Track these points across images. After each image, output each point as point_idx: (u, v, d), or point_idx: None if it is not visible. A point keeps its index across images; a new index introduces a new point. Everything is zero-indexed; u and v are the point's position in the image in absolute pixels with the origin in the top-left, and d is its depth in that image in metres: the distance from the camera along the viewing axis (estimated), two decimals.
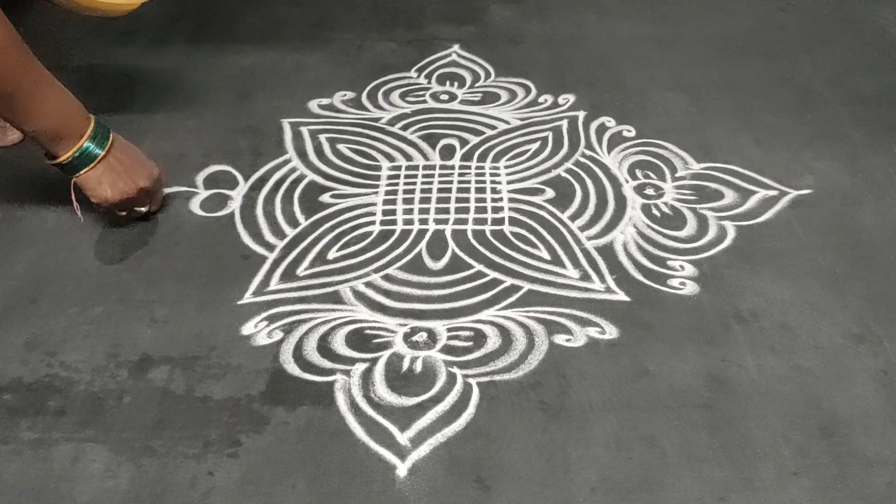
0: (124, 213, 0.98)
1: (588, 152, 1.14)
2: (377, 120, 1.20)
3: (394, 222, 1.01)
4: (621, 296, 0.91)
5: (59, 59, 1.31)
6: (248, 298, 0.90)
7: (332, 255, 0.96)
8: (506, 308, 0.89)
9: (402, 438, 0.76)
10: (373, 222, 1.01)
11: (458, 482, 0.72)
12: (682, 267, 0.95)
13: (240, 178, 1.08)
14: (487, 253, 0.96)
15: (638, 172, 1.10)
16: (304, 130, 1.18)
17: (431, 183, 1.07)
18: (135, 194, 0.96)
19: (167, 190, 1.04)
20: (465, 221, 1.01)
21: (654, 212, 1.03)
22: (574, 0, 1.54)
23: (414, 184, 1.07)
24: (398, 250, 0.97)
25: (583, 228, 1.00)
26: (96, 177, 0.94)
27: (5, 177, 1.08)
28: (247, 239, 0.98)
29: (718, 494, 0.71)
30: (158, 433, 0.76)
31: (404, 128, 1.18)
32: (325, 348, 0.84)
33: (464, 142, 1.15)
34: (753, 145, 1.15)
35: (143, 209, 0.99)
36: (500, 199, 1.05)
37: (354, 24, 1.46)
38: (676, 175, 1.09)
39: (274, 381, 0.81)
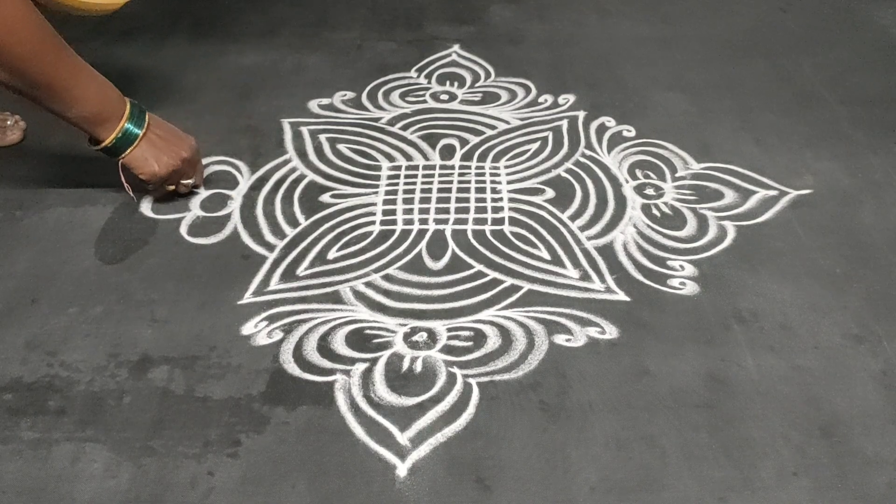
0: (173, 187, 1.02)
1: (588, 152, 1.14)
2: (377, 120, 1.20)
3: (394, 222, 1.01)
4: (621, 296, 0.91)
5: None
6: (248, 298, 0.90)
7: (332, 255, 0.96)
8: (506, 308, 0.89)
9: (402, 438, 0.76)
10: (373, 222, 1.01)
11: (458, 482, 0.72)
12: (682, 267, 0.95)
13: (240, 178, 1.09)
14: (487, 253, 0.96)
15: (638, 172, 1.10)
16: (304, 130, 1.18)
17: (431, 183, 1.07)
18: (180, 165, 0.99)
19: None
20: (465, 221, 1.01)
21: (654, 212, 1.03)
22: (574, 0, 1.54)
23: (414, 184, 1.07)
24: (398, 250, 0.97)
25: (583, 228, 1.00)
26: (141, 154, 0.97)
27: (5, 177, 1.08)
28: (247, 239, 0.98)
29: (718, 494, 0.71)
30: (158, 433, 0.76)
31: (404, 128, 1.19)
32: (325, 348, 0.84)
33: (464, 142, 1.15)
34: (753, 145, 1.15)
35: (189, 181, 1.02)
36: (500, 199, 1.05)
37: (354, 24, 1.46)
38: (676, 175, 1.09)
39: (274, 381, 0.81)
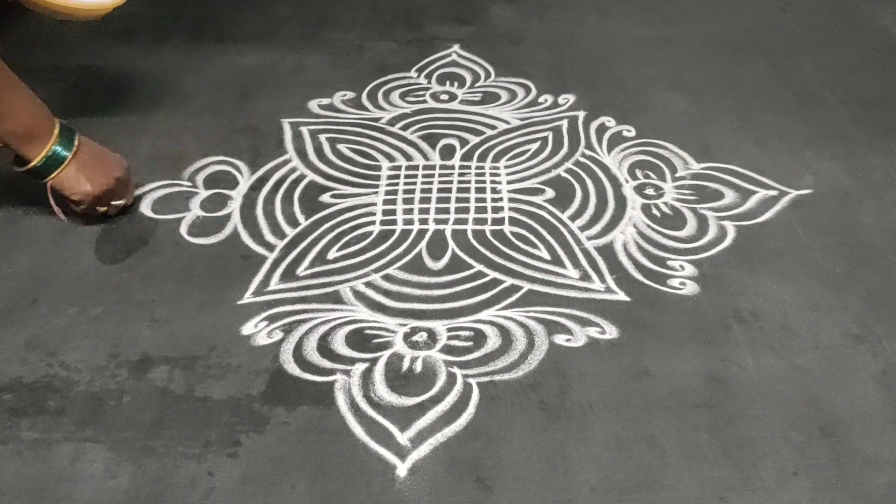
0: (104, 209, 0.99)
1: (588, 152, 1.14)
2: (377, 120, 1.20)
3: (394, 222, 1.01)
4: (621, 296, 0.91)
5: (58, 59, 1.32)
6: (248, 298, 0.90)
7: (332, 255, 0.96)
8: (506, 308, 0.89)
9: (402, 438, 0.76)
10: (373, 222, 1.01)
11: (458, 482, 0.72)
12: (682, 267, 0.95)
13: (240, 178, 1.09)
14: (487, 253, 0.96)
15: (638, 172, 1.10)
16: (304, 130, 1.18)
17: (431, 183, 1.07)
18: (114, 184, 0.97)
19: (151, 187, 1.04)
20: (465, 221, 1.01)
21: (654, 212, 1.03)
22: (574, 0, 1.54)
23: (414, 184, 1.07)
24: (398, 250, 0.97)
25: (583, 228, 1.00)
26: (73, 174, 0.94)
27: (5, 177, 1.08)
28: (247, 239, 0.98)
29: (718, 494, 0.71)
30: (158, 433, 0.76)
31: (404, 128, 1.18)
32: (325, 348, 0.84)
33: (464, 142, 1.15)
34: (753, 145, 1.15)
35: (121, 202, 1.00)
36: (500, 199, 1.05)
37: (354, 24, 1.46)
38: (676, 175, 1.09)
39: (274, 381, 0.81)
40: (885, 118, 1.21)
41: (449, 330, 0.86)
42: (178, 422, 0.77)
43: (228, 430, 0.76)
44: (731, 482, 0.72)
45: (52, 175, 0.93)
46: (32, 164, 0.92)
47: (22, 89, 0.91)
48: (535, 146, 1.15)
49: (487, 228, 1.00)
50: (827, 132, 1.18)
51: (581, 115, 1.21)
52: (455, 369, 0.82)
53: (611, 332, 0.87)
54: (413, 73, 1.32)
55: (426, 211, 1.03)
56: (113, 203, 0.99)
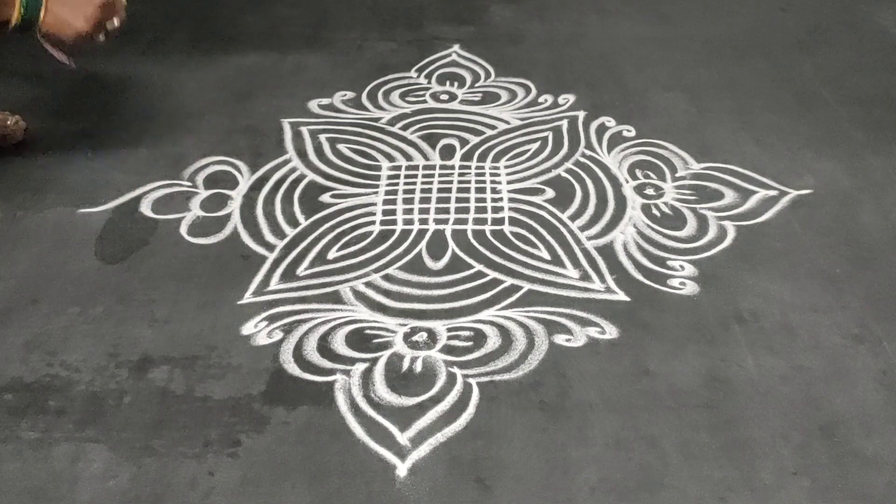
0: (102, 37, 0.97)
1: (588, 152, 1.14)
2: (377, 120, 1.20)
3: (394, 222, 1.01)
4: (621, 296, 0.91)
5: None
6: (248, 298, 0.90)
7: (332, 255, 0.96)
8: (506, 308, 0.89)
9: (402, 438, 0.75)
10: (373, 222, 1.01)
11: (458, 482, 0.72)
12: (682, 267, 0.95)
13: (240, 178, 1.08)
14: (487, 253, 0.96)
15: (638, 172, 1.10)
16: (304, 130, 1.18)
17: (431, 183, 1.07)
18: (100, 13, 0.94)
19: (151, 187, 1.04)
20: (465, 221, 1.01)
21: (654, 212, 1.03)
22: (574, 0, 1.54)
23: (414, 184, 1.07)
24: (398, 250, 0.97)
25: (583, 228, 1.00)
26: (55, 18, 0.92)
27: (5, 177, 1.08)
28: (247, 239, 0.98)
29: (718, 494, 0.71)
30: (158, 433, 0.76)
31: (404, 128, 1.18)
32: (325, 348, 0.84)
33: (464, 142, 1.15)
34: (753, 145, 1.15)
35: (115, 22, 0.97)
36: (500, 199, 1.05)
37: (354, 24, 1.46)
38: (676, 175, 1.09)
39: (274, 381, 0.81)
40: (885, 118, 1.21)
41: (449, 330, 0.86)
42: (178, 422, 0.77)
43: (228, 430, 0.76)
44: (731, 482, 0.72)
45: (38, 23, 0.91)
46: (13, 21, 0.90)
47: None
48: (535, 146, 1.15)
49: (487, 228, 1.00)
50: (827, 132, 1.18)
51: (581, 115, 1.21)
52: (455, 369, 0.82)
53: (611, 332, 0.87)
54: (413, 73, 1.32)
55: (426, 211, 1.03)
56: (108, 29, 0.97)
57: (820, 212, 1.03)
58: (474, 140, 1.16)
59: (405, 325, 0.87)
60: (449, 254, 0.96)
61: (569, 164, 1.11)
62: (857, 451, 0.75)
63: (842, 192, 1.07)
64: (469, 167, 1.10)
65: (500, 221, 1.01)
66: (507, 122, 1.20)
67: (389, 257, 0.96)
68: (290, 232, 0.99)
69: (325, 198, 1.05)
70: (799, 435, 0.76)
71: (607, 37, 1.43)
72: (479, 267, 0.94)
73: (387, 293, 0.91)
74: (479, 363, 0.83)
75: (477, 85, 1.29)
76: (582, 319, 0.88)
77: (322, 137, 1.16)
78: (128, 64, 1.32)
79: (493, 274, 0.94)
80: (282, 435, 0.76)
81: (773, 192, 1.06)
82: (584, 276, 0.94)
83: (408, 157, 1.12)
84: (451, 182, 1.07)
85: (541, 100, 1.25)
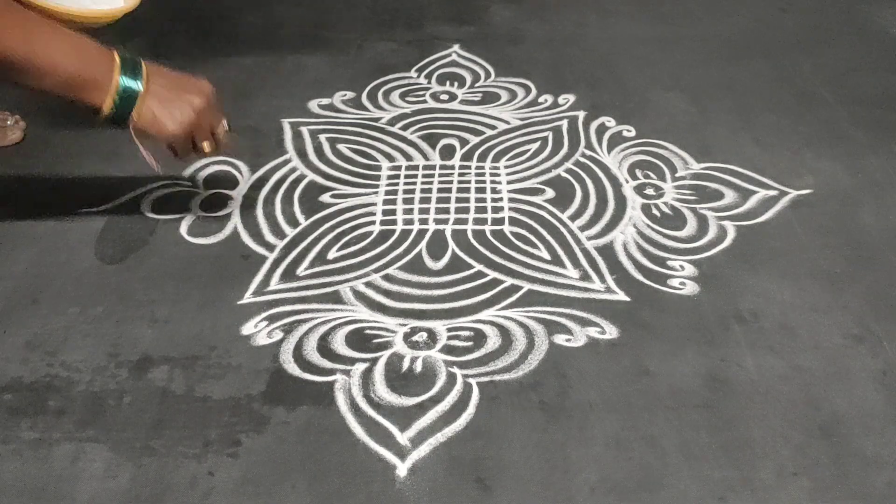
0: (207, 145, 0.88)
1: (588, 152, 1.14)
2: (377, 120, 1.20)
3: (394, 222, 1.01)
4: (621, 296, 0.91)
5: None
6: (248, 298, 0.90)
7: (332, 255, 0.96)
8: (506, 308, 0.89)
9: (402, 438, 0.76)
10: (373, 222, 1.01)
11: (458, 482, 0.72)
12: (682, 267, 0.95)
13: (240, 178, 1.09)
14: (487, 253, 0.96)
15: (638, 172, 1.10)
16: (304, 130, 1.18)
17: (431, 183, 1.07)
18: (195, 117, 0.85)
19: (151, 187, 1.04)
20: (465, 221, 1.01)
21: (654, 212, 1.03)
22: (574, 0, 1.54)
23: (414, 184, 1.07)
24: (398, 250, 0.97)
25: (583, 228, 1.00)
26: (149, 113, 0.82)
27: (5, 177, 1.08)
28: (247, 239, 0.98)
29: (718, 494, 0.71)
30: (158, 433, 0.76)
31: (404, 128, 1.19)
32: (325, 348, 0.84)
33: (464, 142, 1.15)
34: (753, 145, 1.15)
35: (217, 134, 0.89)
36: (500, 199, 1.05)
37: (354, 24, 1.46)
38: (676, 175, 1.10)
39: (274, 381, 0.81)
40: (885, 118, 1.21)
41: (449, 330, 0.86)
42: (178, 422, 0.77)
43: (228, 430, 0.76)
44: (731, 482, 0.72)
45: (131, 116, 0.82)
46: (105, 111, 0.81)
47: (57, 34, 0.79)
48: (535, 146, 1.15)
49: (487, 228, 1.00)
50: (827, 132, 1.18)
51: (581, 115, 1.21)
52: (455, 369, 0.82)
53: (611, 332, 0.87)
54: (413, 73, 1.32)
55: (426, 211, 1.03)
56: (206, 139, 0.88)
57: (820, 212, 1.03)
58: (474, 140, 1.16)
59: (405, 325, 0.87)
60: (449, 254, 0.96)
61: (569, 164, 1.11)
62: (857, 451, 0.75)
63: (842, 192, 1.07)
64: (469, 167, 1.10)
65: (500, 221, 1.01)
66: (507, 122, 1.20)
67: (389, 257, 0.96)
68: (290, 232, 0.99)
69: (325, 198, 1.05)
70: (799, 435, 0.76)
71: (607, 37, 1.43)
72: (479, 267, 0.95)
73: (387, 293, 0.91)
74: (479, 363, 0.83)
75: (477, 85, 1.29)
76: (582, 319, 0.88)
77: (322, 137, 1.16)
78: None
79: (493, 274, 0.94)
80: (282, 435, 0.76)
81: (773, 192, 1.06)
82: (584, 276, 0.94)
83: (408, 157, 1.12)
84: (451, 182, 1.08)
85: (541, 100, 1.25)
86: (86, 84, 0.80)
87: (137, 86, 0.82)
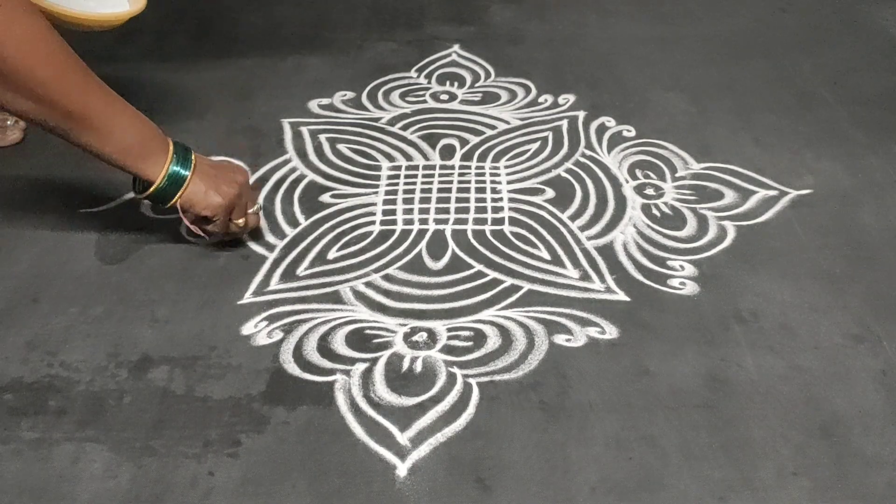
0: (241, 221, 0.93)
1: (588, 152, 1.14)
2: (377, 120, 1.20)
3: (394, 222, 1.01)
4: (621, 296, 0.91)
5: None
6: (248, 298, 0.90)
7: (332, 255, 0.96)
8: (506, 308, 0.89)
9: (402, 438, 0.76)
10: (373, 222, 1.01)
11: (458, 482, 0.72)
12: (682, 267, 0.95)
13: None
14: (487, 253, 0.96)
15: (638, 172, 1.10)
16: (304, 130, 1.18)
17: (431, 183, 1.07)
18: (239, 191, 0.90)
19: None
20: (465, 221, 1.01)
21: (654, 212, 1.03)
22: (574, 0, 1.54)
23: (414, 184, 1.07)
24: (398, 250, 0.97)
25: (583, 228, 1.00)
26: (200, 189, 0.88)
27: (5, 177, 1.08)
28: (247, 239, 0.98)
29: (718, 494, 0.71)
30: (158, 433, 0.76)
31: (404, 128, 1.19)
32: (325, 348, 0.84)
33: (464, 142, 1.15)
34: (753, 145, 1.15)
35: (255, 209, 0.94)
36: (500, 199, 1.05)
37: (354, 24, 1.46)
38: (676, 175, 1.10)
39: (274, 381, 0.81)
40: (885, 118, 1.21)
41: (449, 330, 0.86)
42: (178, 422, 0.77)
43: (228, 430, 0.76)
44: (731, 482, 0.72)
45: (178, 195, 0.87)
46: (155, 185, 0.86)
47: (124, 104, 0.84)
48: (535, 146, 1.15)
49: (487, 228, 1.00)
50: (827, 132, 1.18)
51: (581, 115, 1.21)
52: (455, 369, 0.82)
53: (611, 332, 0.87)
54: (413, 73, 1.32)
55: (426, 211, 1.03)
56: (249, 212, 0.93)
57: (820, 212, 1.03)
58: (474, 140, 1.16)
59: (405, 325, 0.87)
60: (449, 254, 0.96)
61: (569, 165, 1.11)
62: (857, 451, 0.75)
63: (842, 192, 1.07)
64: (469, 167, 1.10)
65: (500, 221, 1.01)
66: (507, 122, 1.20)
67: (389, 257, 0.96)
68: (290, 232, 1.00)
69: (325, 198, 1.05)
70: (799, 435, 0.76)
71: (607, 37, 1.43)
72: (479, 267, 0.95)
73: (387, 293, 0.91)
74: (479, 363, 0.83)
75: (477, 85, 1.29)
76: (582, 319, 0.88)
77: (322, 137, 1.16)
78: (127, 64, 1.32)
79: (493, 274, 0.94)
80: (282, 435, 0.76)
81: (773, 192, 1.06)
82: (584, 276, 0.94)
83: (408, 157, 1.12)
84: (451, 182, 1.08)
85: (541, 100, 1.25)
86: (143, 155, 0.84)
87: (186, 172, 0.87)
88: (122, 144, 0.83)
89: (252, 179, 1.08)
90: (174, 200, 0.88)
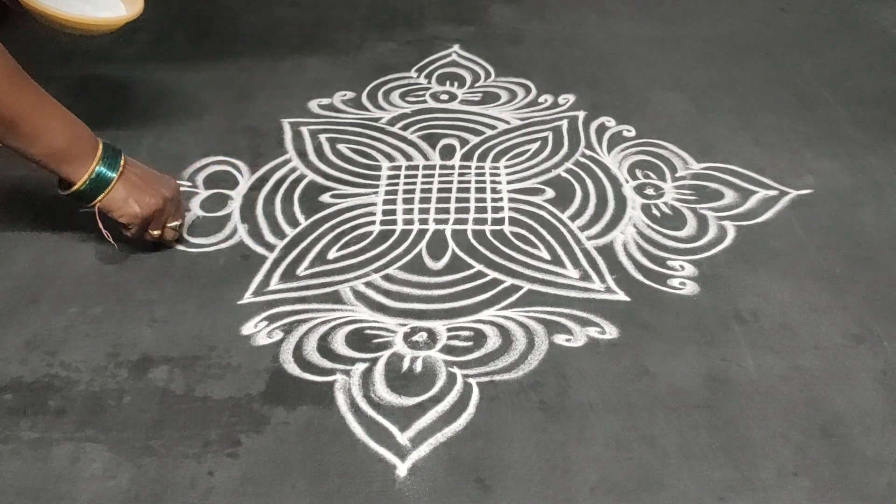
0: (157, 233, 0.93)
1: (588, 152, 1.14)
2: (377, 120, 1.20)
3: (394, 222, 1.01)
4: (621, 296, 0.91)
5: (59, 60, 1.31)
6: (248, 298, 0.90)
7: (332, 255, 0.96)
8: (506, 308, 0.89)
9: (402, 438, 0.76)
10: (373, 222, 1.01)
11: (458, 482, 0.72)
12: (682, 267, 0.95)
13: (240, 178, 1.09)
14: (487, 253, 0.96)
15: (638, 172, 1.10)
16: (304, 130, 1.18)
17: (431, 183, 1.07)
18: (162, 205, 0.91)
19: None
20: (465, 221, 1.01)
21: (654, 212, 1.03)
22: (574, 0, 1.54)
23: (414, 184, 1.07)
24: (398, 250, 0.97)
25: (583, 228, 1.00)
26: (121, 196, 0.88)
27: (5, 177, 1.08)
28: (247, 239, 0.98)
29: (718, 494, 0.71)
30: (158, 433, 0.76)
31: (404, 128, 1.19)
32: (325, 348, 0.84)
33: (464, 142, 1.15)
34: (753, 145, 1.15)
35: (175, 224, 0.94)
36: (500, 199, 1.05)
37: (354, 24, 1.46)
38: (676, 175, 1.10)
39: (274, 381, 0.81)
40: (885, 118, 1.21)
41: (449, 330, 0.86)
42: (178, 422, 0.77)
43: (228, 430, 0.76)
44: (731, 482, 0.72)
45: (99, 198, 0.88)
46: (76, 186, 0.87)
47: (57, 108, 0.86)
48: (535, 146, 1.15)
49: (487, 228, 1.00)
50: (827, 132, 1.18)
51: (581, 115, 1.21)
52: (455, 369, 0.82)
53: (611, 332, 0.87)
54: (413, 73, 1.32)
55: (426, 211, 1.03)
56: (168, 226, 0.94)
57: (820, 212, 1.03)
58: (474, 140, 1.16)
59: (405, 325, 0.87)
60: (449, 254, 0.96)
61: (569, 164, 1.11)
62: (857, 451, 0.75)
63: (842, 192, 1.07)
64: (469, 167, 1.10)
65: (500, 221, 1.01)
66: (507, 122, 1.20)
67: (389, 257, 0.96)
68: (290, 232, 1.00)
69: (325, 198, 1.05)
70: (799, 435, 0.76)
71: (607, 37, 1.43)
72: (479, 267, 0.95)
73: (387, 293, 0.91)
74: (479, 363, 0.83)
75: (477, 85, 1.29)
76: (582, 319, 0.88)
77: (322, 137, 1.16)
78: (127, 64, 1.32)
79: (493, 274, 0.94)
80: (282, 435, 0.76)
81: (773, 192, 1.06)
82: (584, 276, 0.94)
83: (408, 157, 1.12)
84: (451, 182, 1.08)
85: (541, 100, 1.25)
86: (68, 158, 0.86)
87: (111, 174, 0.88)
88: (48, 149, 0.85)
89: (252, 179, 1.08)
90: (94, 203, 0.89)
